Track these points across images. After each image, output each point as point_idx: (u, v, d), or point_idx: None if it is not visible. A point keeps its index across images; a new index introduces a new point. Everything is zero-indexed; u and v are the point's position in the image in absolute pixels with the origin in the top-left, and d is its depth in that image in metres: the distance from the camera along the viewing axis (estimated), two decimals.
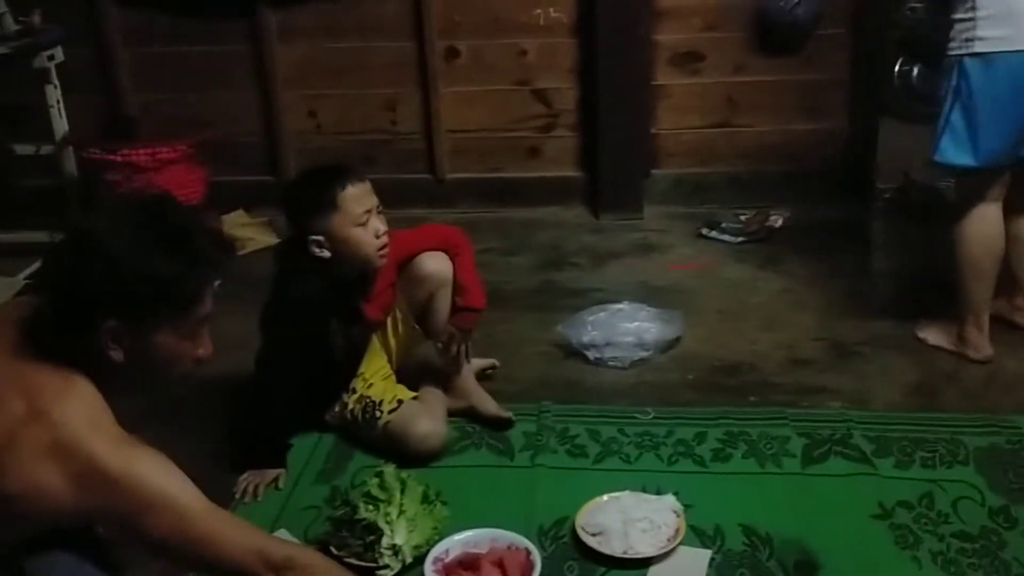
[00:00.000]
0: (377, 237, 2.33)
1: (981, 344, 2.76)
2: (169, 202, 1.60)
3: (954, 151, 2.56)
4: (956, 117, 2.53)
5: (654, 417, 2.56)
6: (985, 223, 2.65)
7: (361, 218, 2.30)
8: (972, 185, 2.65)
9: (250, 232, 3.86)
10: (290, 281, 2.34)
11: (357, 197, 2.30)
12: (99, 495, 1.42)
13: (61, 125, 3.61)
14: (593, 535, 2.08)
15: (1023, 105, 2.47)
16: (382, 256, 2.36)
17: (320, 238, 2.29)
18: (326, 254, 2.31)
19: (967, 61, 2.48)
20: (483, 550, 2.01)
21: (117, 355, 1.48)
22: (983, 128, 2.51)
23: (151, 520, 1.45)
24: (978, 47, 2.46)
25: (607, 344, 2.87)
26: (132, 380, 1.53)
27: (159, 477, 1.46)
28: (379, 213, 2.35)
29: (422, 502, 2.09)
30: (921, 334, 2.90)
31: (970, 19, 2.46)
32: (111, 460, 1.42)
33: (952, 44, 2.51)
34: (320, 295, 2.31)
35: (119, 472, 1.42)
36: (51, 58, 3.47)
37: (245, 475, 2.33)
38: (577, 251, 3.74)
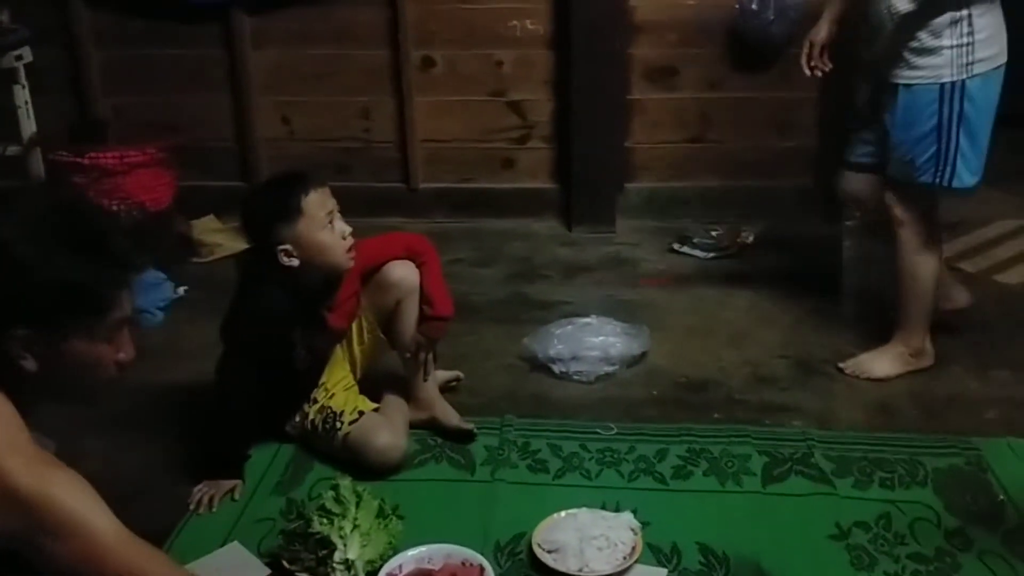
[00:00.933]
0: (344, 238, 2.32)
1: (929, 350, 2.83)
2: (82, 204, 1.55)
3: (968, 175, 2.59)
4: (964, 141, 2.55)
5: (616, 433, 2.55)
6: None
7: (325, 220, 2.29)
8: (931, 202, 2.72)
9: (220, 238, 3.83)
10: (253, 291, 2.32)
11: (319, 201, 2.29)
12: (10, 516, 1.36)
13: (29, 126, 3.57)
14: (549, 552, 2.06)
15: (995, 112, 2.59)
16: (350, 257, 2.35)
17: (288, 247, 2.28)
18: (295, 262, 2.29)
19: (969, 84, 2.50)
20: (437, 566, 2.00)
21: (30, 364, 1.43)
22: (982, 144, 2.58)
23: (61, 545, 1.38)
24: (978, 68, 2.49)
25: (573, 358, 2.87)
26: (47, 388, 1.49)
27: (73, 500, 1.40)
28: (339, 215, 2.34)
29: (377, 516, 2.06)
30: (864, 372, 2.83)
31: (967, 44, 2.47)
32: (24, 479, 1.36)
33: (941, 72, 2.50)
34: (284, 305, 2.29)
35: (32, 492, 1.36)
36: (19, 58, 3.44)
37: (200, 486, 2.31)
38: (548, 263, 3.74)
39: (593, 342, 2.91)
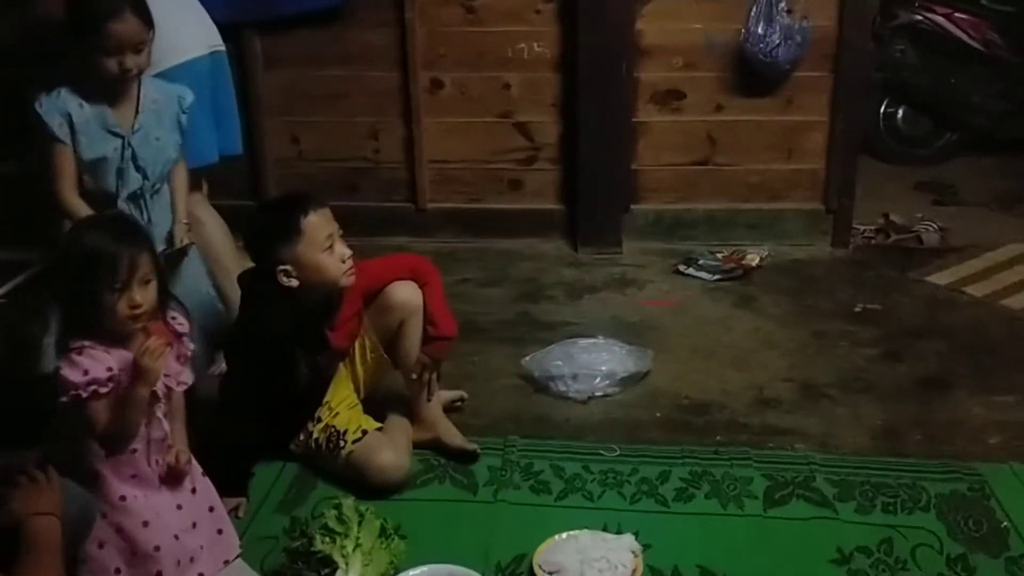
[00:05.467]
0: (343, 261, 2.34)
1: None
2: None
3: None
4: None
5: (619, 455, 2.56)
6: None
7: (326, 243, 2.32)
8: None
9: None
10: (254, 310, 2.34)
11: (320, 223, 2.32)
12: None
13: None
14: (550, 574, 2.07)
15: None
16: (349, 279, 2.37)
17: (288, 267, 2.30)
18: (294, 283, 2.32)
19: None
20: None
21: None
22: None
23: None
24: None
25: (573, 377, 2.88)
26: None
27: None
28: (340, 238, 2.36)
29: (379, 536, 2.08)
30: None
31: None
32: None
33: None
34: (284, 324, 2.31)
35: None
36: None
37: None
38: (554, 284, 3.75)
39: (593, 362, 2.92)
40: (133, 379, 1.86)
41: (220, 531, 2.10)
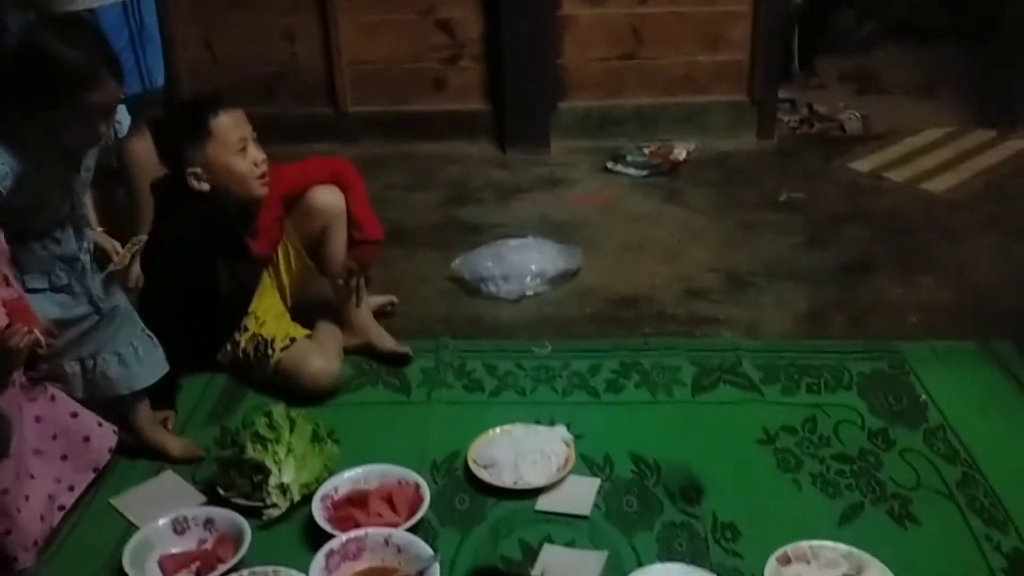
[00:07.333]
0: (256, 165, 2.27)
1: None
2: None
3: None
4: None
5: (551, 351, 2.57)
6: None
7: (237, 146, 2.24)
8: None
9: None
10: (169, 218, 2.27)
11: (231, 124, 2.24)
12: None
13: None
14: (484, 467, 2.09)
15: None
16: (263, 185, 2.30)
17: (197, 170, 2.23)
18: (205, 186, 2.25)
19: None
20: (372, 486, 2.01)
21: None
22: None
23: None
24: None
25: (504, 278, 2.87)
26: None
27: None
28: (255, 142, 2.28)
29: (312, 440, 2.07)
30: None
31: None
32: None
33: None
34: (201, 231, 2.25)
35: None
36: None
37: None
38: (482, 186, 3.71)
39: (524, 261, 2.91)
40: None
41: (87, 439, 2.03)
